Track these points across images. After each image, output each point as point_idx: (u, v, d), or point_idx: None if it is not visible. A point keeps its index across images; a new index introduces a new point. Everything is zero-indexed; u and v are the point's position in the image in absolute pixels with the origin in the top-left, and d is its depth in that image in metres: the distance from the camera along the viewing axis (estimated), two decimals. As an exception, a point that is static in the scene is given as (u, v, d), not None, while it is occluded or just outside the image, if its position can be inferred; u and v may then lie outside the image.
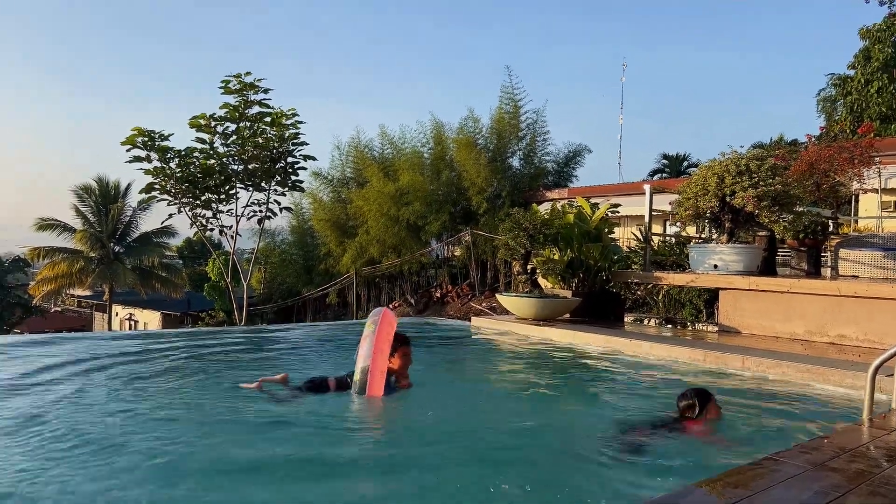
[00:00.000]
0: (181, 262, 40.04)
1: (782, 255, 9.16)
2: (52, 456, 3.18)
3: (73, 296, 38.27)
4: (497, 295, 9.31)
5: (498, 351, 7.23)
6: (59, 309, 41.72)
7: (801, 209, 7.93)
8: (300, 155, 13.99)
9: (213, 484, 2.93)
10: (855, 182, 8.74)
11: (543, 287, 9.46)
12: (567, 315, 8.53)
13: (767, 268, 7.95)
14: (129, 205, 30.58)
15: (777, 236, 8.08)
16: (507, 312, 8.92)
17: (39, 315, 33.04)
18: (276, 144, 13.52)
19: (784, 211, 7.43)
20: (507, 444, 3.64)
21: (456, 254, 16.87)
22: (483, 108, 29.74)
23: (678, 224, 9.38)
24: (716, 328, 7.90)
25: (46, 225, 29.02)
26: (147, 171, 13.12)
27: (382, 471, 3.23)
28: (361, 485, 3.04)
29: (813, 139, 12.77)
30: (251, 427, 3.88)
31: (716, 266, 7.63)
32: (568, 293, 8.85)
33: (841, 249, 7.77)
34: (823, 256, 8.38)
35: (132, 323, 34.36)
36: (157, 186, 13.36)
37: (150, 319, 32.73)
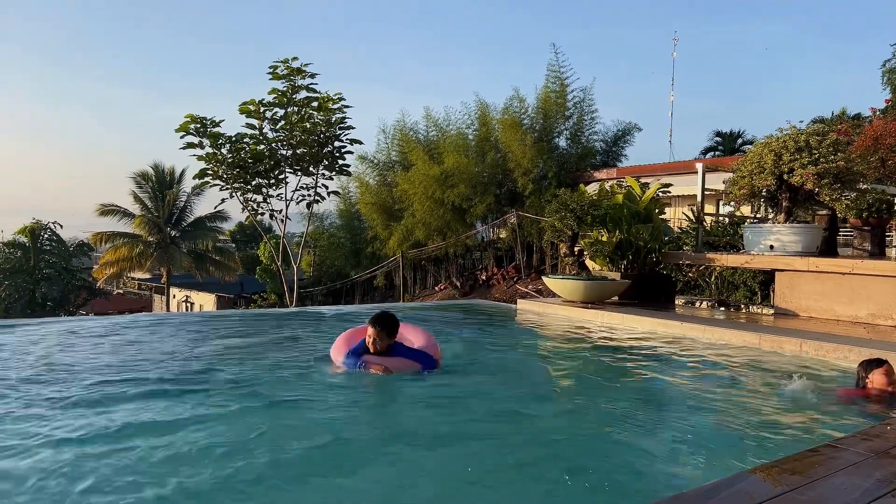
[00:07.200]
0: (234, 245, 41.17)
1: (844, 235, 8.79)
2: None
3: (133, 279, 39.86)
4: (543, 277, 9.24)
5: (543, 333, 7.19)
6: (121, 291, 43.60)
7: (864, 186, 7.58)
8: (347, 139, 14.14)
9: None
10: (924, 157, 8.29)
11: (591, 269, 9.34)
12: (616, 298, 8.42)
13: (828, 248, 7.65)
14: (184, 190, 31.54)
15: (839, 215, 7.75)
16: (553, 295, 8.86)
17: (103, 297, 34.64)
18: (323, 129, 13.70)
19: (846, 188, 7.12)
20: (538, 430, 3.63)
21: (501, 236, 16.79)
22: (528, 87, 29.19)
23: (732, 203, 9.09)
24: (771, 311, 7.66)
25: (107, 211, 30.23)
26: (200, 158, 13.50)
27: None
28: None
29: (878, 112, 12.14)
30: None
31: (772, 247, 7.38)
32: (616, 275, 8.72)
33: (908, 228, 7.40)
34: (889, 236, 8.01)
35: (188, 305, 35.62)
36: (209, 172, 13.73)
37: (205, 301, 33.86)
